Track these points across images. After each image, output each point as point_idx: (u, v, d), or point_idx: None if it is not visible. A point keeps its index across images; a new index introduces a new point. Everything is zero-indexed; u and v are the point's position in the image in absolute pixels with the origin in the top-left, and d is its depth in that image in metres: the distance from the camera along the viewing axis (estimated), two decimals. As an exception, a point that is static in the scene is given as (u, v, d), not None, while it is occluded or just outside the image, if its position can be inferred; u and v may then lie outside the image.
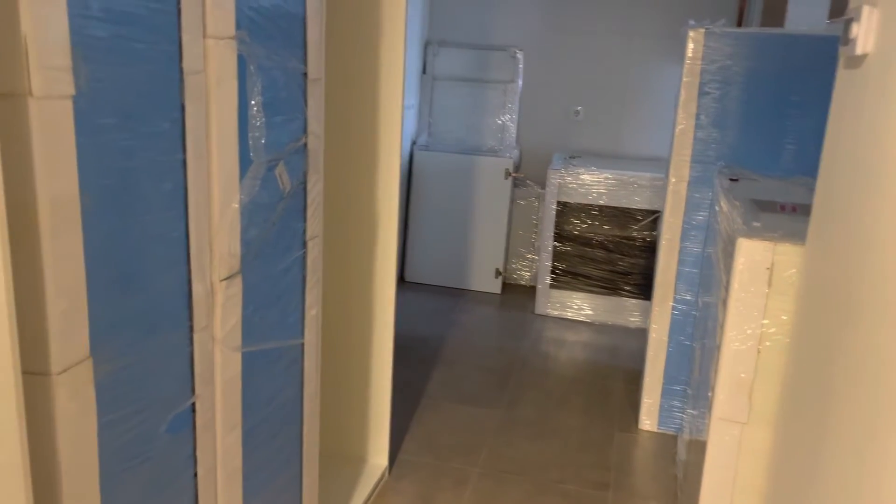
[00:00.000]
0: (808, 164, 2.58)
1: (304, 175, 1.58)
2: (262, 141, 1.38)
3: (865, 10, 1.29)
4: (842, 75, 1.49)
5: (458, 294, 4.35)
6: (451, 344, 3.63)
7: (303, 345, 1.66)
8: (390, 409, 2.43)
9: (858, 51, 1.32)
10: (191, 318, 1.24)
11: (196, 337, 1.26)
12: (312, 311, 1.67)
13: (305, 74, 1.53)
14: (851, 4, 1.42)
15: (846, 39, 1.37)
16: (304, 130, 1.55)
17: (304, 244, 1.61)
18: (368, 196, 2.27)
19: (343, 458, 2.47)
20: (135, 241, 1.09)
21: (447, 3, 4.54)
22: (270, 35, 1.38)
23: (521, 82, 4.48)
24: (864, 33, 1.30)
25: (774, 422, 1.74)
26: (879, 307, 1.16)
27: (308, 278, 1.64)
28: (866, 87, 1.34)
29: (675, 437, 2.82)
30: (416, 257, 4.45)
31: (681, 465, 2.51)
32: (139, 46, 1.06)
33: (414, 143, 4.47)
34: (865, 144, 1.32)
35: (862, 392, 1.19)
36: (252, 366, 1.45)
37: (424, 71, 4.54)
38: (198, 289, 1.25)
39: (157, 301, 1.15)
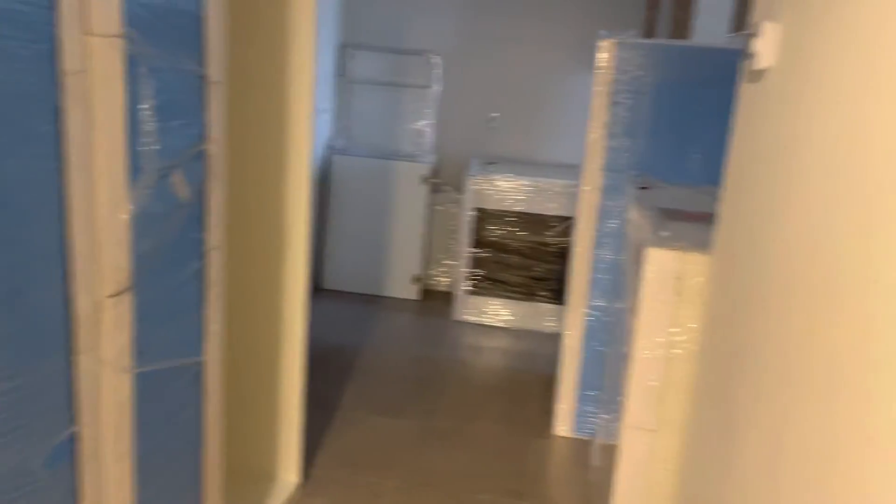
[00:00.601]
0: (714, 173, 2.64)
1: (204, 183, 1.49)
2: (155, 147, 1.29)
3: (766, 25, 1.31)
4: (744, 88, 1.53)
5: (375, 301, 4.29)
6: (367, 353, 3.56)
7: (203, 362, 1.57)
8: (302, 422, 2.35)
9: (760, 65, 1.35)
10: (73, 340, 1.14)
11: (80, 359, 1.16)
12: (214, 326, 1.58)
13: (204, 77, 1.44)
14: (753, 20, 1.45)
15: (748, 53, 1.40)
16: (204, 136, 1.47)
17: (204, 255, 1.52)
18: (278, 202, 2.19)
19: (251, 476, 2.37)
20: (4, 256, 0.99)
21: (363, 6, 4.47)
22: (163, 34, 1.29)
23: (438, 87, 4.46)
24: (765, 48, 1.33)
25: (684, 429, 1.76)
26: (784, 315, 1.18)
27: (209, 291, 1.55)
28: (768, 100, 1.36)
29: (589, 442, 2.84)
30: (334, 264, 4.36)
31: (594, 470, 2.53)
32: (10, 44, 0.97)
33: (331, 147, 4.38)
34: (768, 155, 1.34)
35: (767, 399, 1.21)
36: (145, 387, 1.35)
37: (340, 74, 4.46)
38: (82, 307, 1.15)
39: (31, 322, 1.05)
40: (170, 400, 1.46)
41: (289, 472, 2.38)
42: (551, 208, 3.97)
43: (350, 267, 4.36)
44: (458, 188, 4.30)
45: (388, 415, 2.96)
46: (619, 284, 2.41)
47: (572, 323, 2.84)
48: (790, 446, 1.07)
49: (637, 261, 1.89)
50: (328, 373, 3.26)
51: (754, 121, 1.46)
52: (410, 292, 4.35)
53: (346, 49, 4.46)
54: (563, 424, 2.92)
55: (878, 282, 0.85)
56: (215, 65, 1.47)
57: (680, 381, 1.75)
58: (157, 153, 1.30)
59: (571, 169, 4.27)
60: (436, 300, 4.36)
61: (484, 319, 4.12)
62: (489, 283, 4.11)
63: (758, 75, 1.40)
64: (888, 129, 0.87)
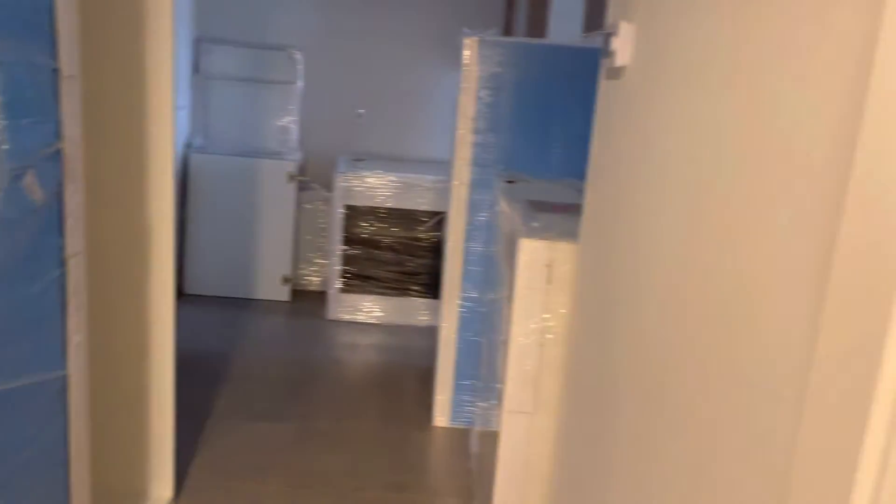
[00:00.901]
0: (574, 167, 2.78)
1: (60, 184, 1.39)
2: (3, 146, 1.19)
3: (623, 25, 1.40)
4: (604, 85, 1.62)
5: (244, 304, 4.16)
6: (238, 358, 3.45)
7: (66, 376, 1.47)
8: (173, 434, 2.25)
9: (618, 62, 1.43)
10: (-84, 359, 1.04)
11: (-75, 381, 1.05)
12: (76, 338, 1.48)
13: (57, 71, 1.35)
14: (610, 20, 1.54)
15: (607, 52, 1.49)
16: (58, 134, 1.37)
17: (63, 263, 1.43)
18: (139, 204, 2.08)
19: (121, 494, 2.24)
20: None
21: (219, -2, 4.32)
22: (9, 24, 1.20)
23: (301, 84, 4.38)
24: (623, 47, 1.42)
25: (559, 410, 1.85)
26: (645, 297, 1.26)
27: (69, 301, 1.45)
28: (626, 97, 1.46)
29: (467, 431, 2.91)
30: (197, 268, 4.18)
31: (474, 457, 2.60)
32: None
33: (189, 145, 4.19)
34: (627, 148, 1.44)
35: (631, 376, 1.30)
36: (1, 407, 1.25)
37: (197, 70, 4.28)
38: (-75, 323, 1.05)
39: None
40: (30, 419, 1.35)
41: (161, 486, 2.27)
42: (421, 203, 4.02)
43: (214, 270, 4.20)
44: (327, 186, 4.25)
45: (263, 419, 2.89)
46: (491, 275, 2.48)
47: (447, 315, 2.89)
48: (655, 424, 1.15)
49: (509, 251, 1.96)
50: (197, 381, 3.13)
51: (614, 116, 1.55)
52: (281, 293, 4.26)
53: (201, 43, 4.29)
54: (442, 415, 2.97)
55: (724, 272, 0.93)
56: (68, 58, 1.38)
57: (554, 364, 1.84)
58: (6, 153, 1.20)
59: (440, 164, 4.35)
60: (308, 300, 4.30)
61: (357, 317, 4.10)
62: (362, 280, 4.10)
63: (616, 73, 1.49)
64: (731, 126, 0.96)
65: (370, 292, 4.12)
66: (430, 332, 3.95)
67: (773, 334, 0.81)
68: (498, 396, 1.99)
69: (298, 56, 4.34)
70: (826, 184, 0.72)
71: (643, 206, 1.31)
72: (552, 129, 2.79)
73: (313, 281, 4.44)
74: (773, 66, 0.86)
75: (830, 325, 0.67)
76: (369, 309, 4.12)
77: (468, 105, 2.75)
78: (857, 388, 0.62)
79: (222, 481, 2.44)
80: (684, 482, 1.02)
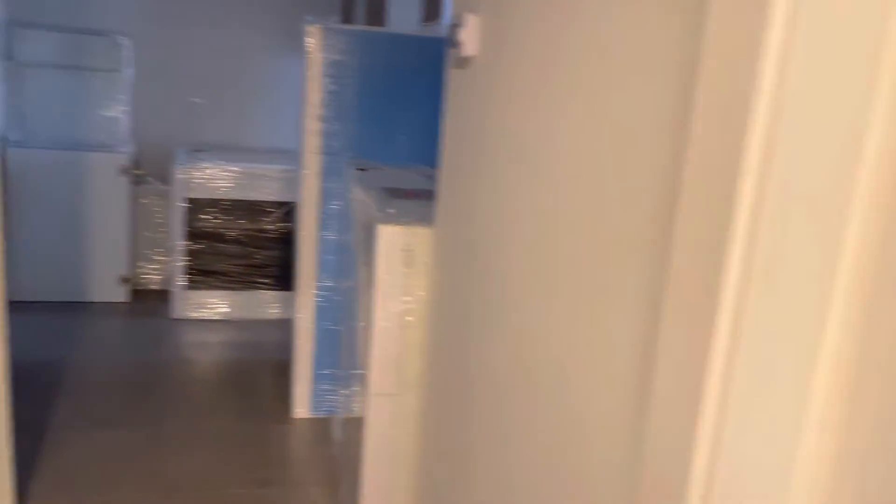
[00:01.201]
0: (421, 153, 2.85)
1: None
2: None
3: (469, 17, 1.47)
4: (452, 74, 1.68)
5: (78, 308, 3.88)
6: (77, 365, 3.23)
7: None
8: (11, 451, 2.08)
9: (465, 53, 1.50)
10: None
11: None
12: None
13: None
14: (455, 11, 1.61)
15: (454, 42, 1.55)
16: None
17: None
18: (-44, 205, 1.89)
19: (-48, 523, 2.05)
20: None
21: (29, -22, 3.97)
22: None
23: (130, 71, 4.13)
24: (469, 38, 1.48)
25: (422, 391, 1.91)
26: (499, 280, 1.35)
27: None
28: (474, 85, 1.53)
29: (328, 420, 2.92)
30: (21, 272, 3.84)
31: (338, 445, 2.61)
32: None
33: (3, 139, 3.83)
34: (477, 136, 1.51)
35: (487, 356, 1.38)
36: None
37: (10, 57, 3.91)
38: None
39: None
40: None
41: (0, 509, 2.10)
42: (267, 194, 3.94)
43: (42, 274, 3.88)
44: (164, 179, 4.05)
45: (111, 427, 2.73)
46: (347, 263, 2.50)
47: (303, 306, 2.87)
48: (511, 402, 1.24)
49: (366, 238, 1.99)
50: (33, 392, 2.90)
51: (463, 105, 1.62)
52: (119, 294, 4.01)
53: (12, 28, 3.92)
54: (301, 406, 2.96)
55: (572, 258, 1.02)
56: None
57: (416, 345, 1.90)
58: None
59: (285, 154, 4.28)
60: (149, 300, 4.09)
61: (204, 314, 3.96)
62: (207, 275, 3.96)
63: (464, 63, 1.56)
64: (570, 118, 1.05)
65: (216, 288, 3.98)
66: (282, 325, 3.89)
67: (620, 316, 0.91)
68: (361, 381, 2.02)
69: (125, 42, 4.08)
70: (659, 173, 0.82)
71: (494, 191, 1.39)
72: (398, 116, 2.84)
73: (154, 279, 4.22)
74: (605, 62, 0.95)
75: (670, 313, 0.76)
76: (216, 305, 3.99)
77: (313, 93, 2.73)
78: (690, 380, 0.72)
79: (69, 496, 2.29)
80: (542, 460, 1.11)
